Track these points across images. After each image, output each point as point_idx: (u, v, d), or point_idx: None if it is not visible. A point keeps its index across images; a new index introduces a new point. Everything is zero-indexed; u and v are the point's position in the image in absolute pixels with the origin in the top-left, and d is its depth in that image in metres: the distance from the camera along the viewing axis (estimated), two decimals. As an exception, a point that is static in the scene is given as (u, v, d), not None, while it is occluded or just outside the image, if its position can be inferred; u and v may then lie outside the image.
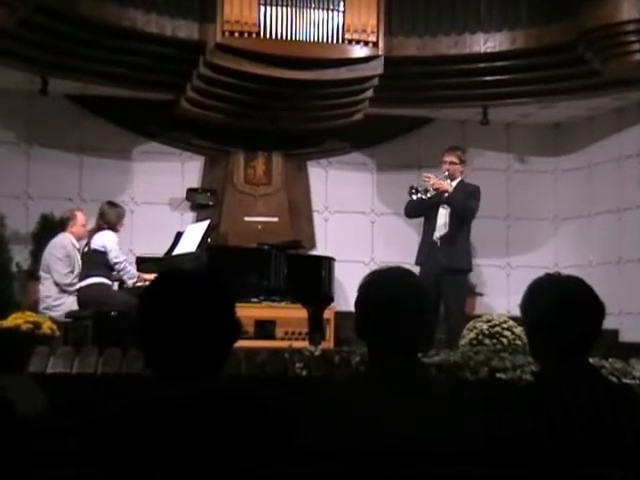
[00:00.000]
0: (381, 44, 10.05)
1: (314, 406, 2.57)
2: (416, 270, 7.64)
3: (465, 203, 8.10)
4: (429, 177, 8.21)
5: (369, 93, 10.32)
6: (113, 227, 8.19)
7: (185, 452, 2.18)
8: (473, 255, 10.99)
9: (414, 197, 8.12)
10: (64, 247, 8.45)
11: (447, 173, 8.23)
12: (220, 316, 2.38)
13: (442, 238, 8.08)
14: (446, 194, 8.11)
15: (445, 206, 8.14)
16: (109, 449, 2.23)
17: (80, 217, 8.70)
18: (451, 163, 8.26)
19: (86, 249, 8.20)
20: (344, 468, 2.17)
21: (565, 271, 2.95)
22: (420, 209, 8.26)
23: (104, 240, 8.03)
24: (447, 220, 8.11)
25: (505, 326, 7.17)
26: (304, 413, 2.53)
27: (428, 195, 8.12)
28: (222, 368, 2.38)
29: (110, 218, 8.19)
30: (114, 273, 8.13)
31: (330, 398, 2.58)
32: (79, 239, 8.58)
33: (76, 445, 2.33)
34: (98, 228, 8.17)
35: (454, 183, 8.23)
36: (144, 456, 2.17)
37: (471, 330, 7.26)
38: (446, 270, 7.91)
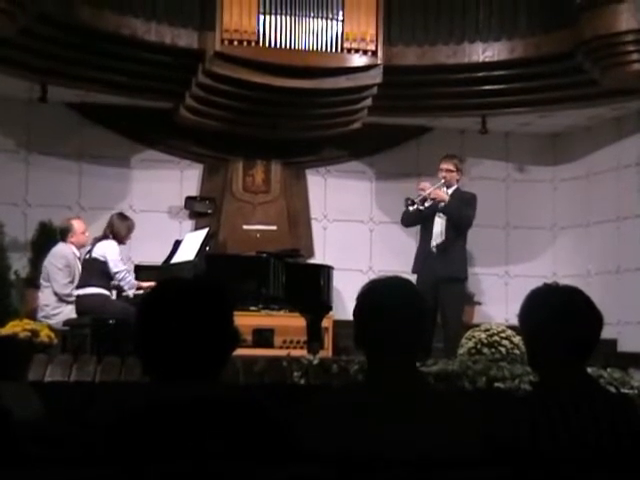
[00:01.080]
0: (380, 53, 10.06)
1: (312, 413, 2.57)
2: (413, 278, 7.65)
3: (460, 212, 8.12)
4: (425, 186, 8.23)
5: (368, 102, 10.33)
6: (121, 239, 8.16)
7: (184, 457, 2.18)
8: (471, 264, 11.02)
9: (410, 209, 8.15)
10: (64, 257, 8.44)
11: (444, 181, 8.26)
12: (218, 324, 2.38)
13: (438, 247, 8.11)
14: (442, 203, 8.13)
15: (441, 215, 8.16)
16: (108, 454, 2.23)
17: (77, 226, 8.67)
18: (447, 171, 8.29)
19: (87, 256, 8.18)
20: (342, 473, 2.17)
21: (563, 280, 2.95)
22: (416, 218, 8.29)
23: (105, 250, 8.00)
24: (443, 229, 8.14)
25: (503, 335, 7.17)
26: (302, 420, 2.53)
27: (425, 205, 8.15)
28: (220, 376, 2.38)
29: (118, 230, 8.15)
30: (114, 282, 8.11)
31: (328, 405, 2.58)
32: (80, 247, 8.56)
33: (74, 451, 2.33)
34: (103, 236, 8.13)
35: (450, 191, 8.26)
36: (143, 461, 2.17)
37: (469, 339, 7.26)
38: (442, 279, 7.92)
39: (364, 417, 2.49)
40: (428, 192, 8.16)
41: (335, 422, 2.49)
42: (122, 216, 8.39)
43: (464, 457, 2.43)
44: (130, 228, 8.29)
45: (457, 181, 8.35)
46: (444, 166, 8.33)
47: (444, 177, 8.27)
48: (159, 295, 2.43)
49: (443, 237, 8.13)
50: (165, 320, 2.35)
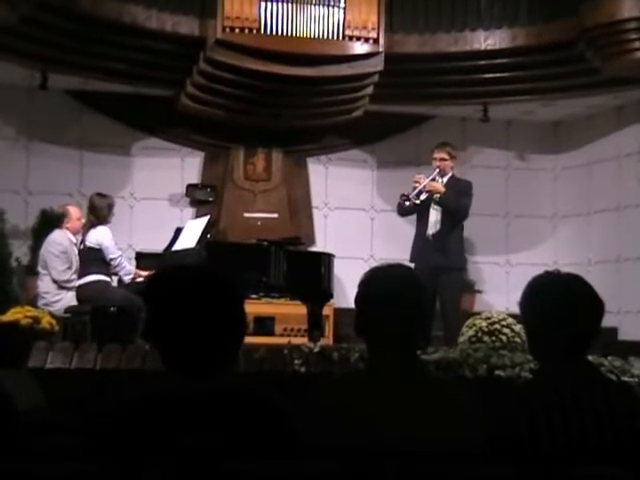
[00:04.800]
0: (381, 41, 10.04)
1: (313, 403, 2.57)
2: (411, 267, 7.64)
3: (457, 203, 8.10)
4: (420, 179, 8.19)
5: (369, 90, 10.32)
6: (104, 219, 8.10)
7: (192, 449, 2.18)
8: (472, 252, 11.03)
9: (407, 203, 8.14)
10: (60, 243, 8.40)
11: (438, 170, 8.25)
12: (230, 312, 2.38)
13: (435, 235, 8.09)
14: (438, 195, 8.10)
15: (436, 206, 8.16)
16: (116, 444, 2.23)
17: (73, 212, 8.62)
18: (441, 159, 8.28)
19: (81, 246, 8.15)
20: (344, 466, 2.17)
21: (564, 269, 2.94)
22: (412, 209, 8.27)
23: (98, 238, 7.94)
24: (439, 217, 8.12)
25: (504, 323, 7.17)
26: (302, 412, 2.53)
27: (421, 198, 8.12)
28: (231, 366, 2.38)
29: (102, 210, 8.07)
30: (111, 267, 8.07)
31: (329, 395, 2.58)
32: (76, 233, 8.52)
33: (77, 440, 2.33)
34: (90, 225, 8.07)
35: (445, 179, 8.25)
36: (149, 452, 2.17)
37: (470, 327, 7.26)
38: (439, 268, 7.91)
39: (364, 408, 2.49)
40: (423, 185, 8.13)
41: (335, 413, 2.49)
42: (101, 195, 8.25)
43: (464, 448, 2.44)
44: (111, 205, 8.19)
45: (452, 168, 8.35)
46: (437, 155, 8.31)
47: (438, 166, 8.26)
48: (169, 285, 2.41)
49: (439, 226, 8.12)
50: (179, 309, 2.34)
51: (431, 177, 8.20)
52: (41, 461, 2.17)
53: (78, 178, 10.61)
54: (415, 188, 8.13)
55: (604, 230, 10.95)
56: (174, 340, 2.34)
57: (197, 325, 2.33)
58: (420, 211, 8.23)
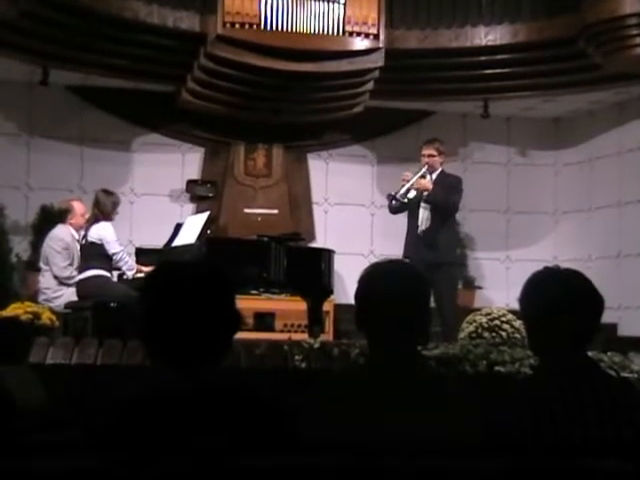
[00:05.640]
0: (382, 36, 10.03)
1: (314, 399, 2.57)
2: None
3: (447, 199, 8.10)
4: (407, 176, 8.19)
5: (370, 85, 10.31)
6: (108, 216, 8.10)
7: (185, 446, 2.18)
8: (473, 248, 11.04)
9: (393, 203, 8.15)
10: (62, 240, 8.40)
11: (427, 167, 8.25)
12: (221, 307, 2.37)
13: (425, 232, 8.09)
14: (426, 192, 8.10)
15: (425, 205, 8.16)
16: (116, 441, 2.23)
17: (78, 207, 8.62)
18: (429, 156, 8.28)
19: (83, 241, 8.15)
20: (344, 461, 2.17)
21: (564, 265, 2.93)
22: (403, 205, 8.28)
23: (100, 232, 7.95)
24: (429, 214, 8.12)
25: (504, 319, 7.17)
26: (304, 406, 2.53)
27: (409, 196, 8.12)
28: (222, 360, 2.38)
29: (106, 207, 8.09)
30: (114, 264, 8.08)
31: (330, 390, 2.58)
32: (79, 229, 8.53)
33: (75, 436, 2.33)
34: (94, 219, 8.08)
35: (434, 175, 8.25)
36: (143, 449, 2.17)
37: (470, 323, 7.26)
38: (431, 264, 7.89)
39: (365, 403, 2.49)
40: (411, 183, 8.13)
41: (335, 409, 2.49)
42: (107, 192, 8.27)
43: (465, 444, 2.44)
44: (116, 203, 8.19)
45: (441, 164, 8.35)
46: (426, 152, 8.31)
47: (427, 162, 8.27)
48: (161, 279, 2.42)
49: (429, 223, 8.12)
50: (168, 303, 2.34)
51: (420, 173, 8.19)
52: (41, 457, 2.17)
53: (79, 174, 10.61)
54: (403, 186, 8.12)
55: (605, 226, 10.95)
56: (169, 336, 2.34)
57: (191, 320, 2.33)
58: (411, 208, 8.24)
